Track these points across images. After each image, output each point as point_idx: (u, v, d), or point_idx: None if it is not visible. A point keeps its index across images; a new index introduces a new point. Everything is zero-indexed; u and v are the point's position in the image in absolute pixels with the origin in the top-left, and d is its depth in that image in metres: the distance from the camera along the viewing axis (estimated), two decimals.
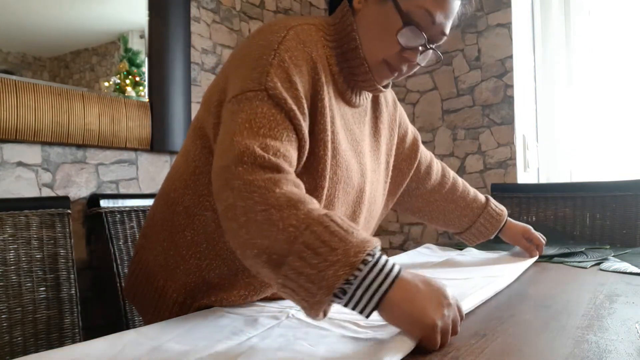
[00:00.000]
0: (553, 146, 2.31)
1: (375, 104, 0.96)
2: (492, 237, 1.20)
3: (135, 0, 1.66)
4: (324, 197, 0.77)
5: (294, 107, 0.69)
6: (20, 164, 1.35)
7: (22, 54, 1.38)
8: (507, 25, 2.13)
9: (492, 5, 2.17)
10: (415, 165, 1.09)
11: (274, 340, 0.60)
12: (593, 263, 1.11)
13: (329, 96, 0.78)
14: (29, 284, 1.18)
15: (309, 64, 0.74)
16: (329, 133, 0.76)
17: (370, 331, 0.62)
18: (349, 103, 0.85)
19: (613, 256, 1.18)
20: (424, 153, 1.15)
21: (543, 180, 2.30)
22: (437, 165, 1.19)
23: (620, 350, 0.54)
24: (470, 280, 0.93)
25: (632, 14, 2.11)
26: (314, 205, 0.60)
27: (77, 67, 1.52)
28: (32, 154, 1.38)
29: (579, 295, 0.83)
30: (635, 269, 1.02)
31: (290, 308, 0.74)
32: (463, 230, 1.20)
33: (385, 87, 0.88)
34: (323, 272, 0.54)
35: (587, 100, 2.23)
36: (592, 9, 2.22)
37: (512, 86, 2.12)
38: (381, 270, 0.56)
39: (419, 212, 1.20)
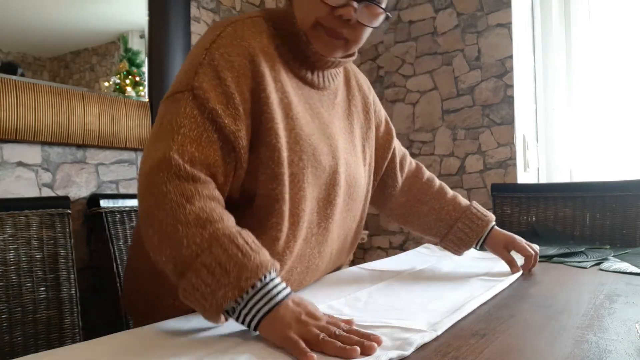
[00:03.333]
0: (553, 146, 2.31)
1: (347, 86, 0.96)
2: (476, 246, 1.06)
3: (135, 0, 1.66)
4: (287, 183, 0.76)
5: (217, 106, 0.70)
6: (20, 164, 1.35)
7: (22, 54, 1.38)
8: (507, 25, 2.13)
9: (492, 5, 2.17)
10: (390, 156, 1.06)
11: None
12: (593, 263, 1.11)
13: (279, 84, 0.77)
14: (29, 284, 1.18)
15: (245, 57, 0.74)
16: (279, 121, 0.76)
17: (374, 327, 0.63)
18: (312, 85, 0.85)
19: (613, 256, 1.18)
20: (399, 148, 1.10)
21: (543, 180, 2.30)
22: (411, 165, 1.12)
23: (620, 350, 0.54)
24: (468, 280, 0.93)
25: (632, 14, 2.11)
26: (224, 223, 0.64)
27: (77, 67, 1.52)
28: (32, 154, 1.38)
29: (579, 295, 0.83)
30: (635, 269, 1.02)
31: None
32: (441, 237, 1.07)
33: (344, 57, 0.85)
34: (215, 292, 0.59)
35: (587, 100, 2.23)
36: (592, 9, 2.23)
37: (512, 86, 2.12)
38: (266, 294, 0.60)
39: (393, 215, 1.12)
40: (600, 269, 1.05)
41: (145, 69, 1.67)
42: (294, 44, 0.81)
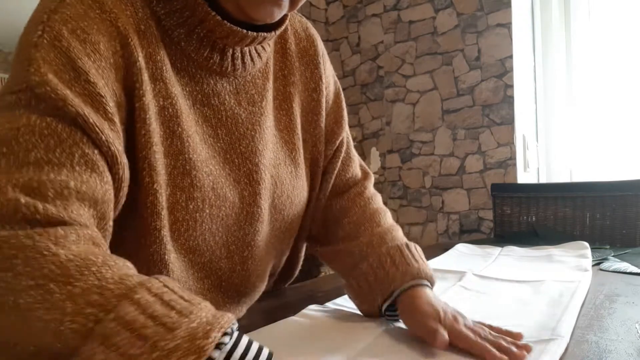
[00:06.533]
0: (553, 146, 2.31)
1: (283, 57, 0.68)
2: (380, 306, 0.62)
3: None
4: (168, 236, 0.54)
5: (85, 110, 0.44)
6: None
7: None
8: (507, 25, 2.13)
9: (492, 5, 2.17)
10: (332, 153, 0.76)
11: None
12: (593, 263, 1.11)
13: (160, 85, 0.52)
14: None
15: (113, 37, 0.48)
16: (158, 144, 0.52)
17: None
18: (220, 72, 0.58)
19: (613, 256, 1.18)
20: (348, 144, 0.79)
21: (543, 180, 2.31)
22: (355, 173, 0.80)
23: (620, 350, 0.54)
24: (542, 283, 0.86)
25: (632, 14, 2.11)
26: (130, 270, 0.40)
27: None
28: None
29: None
30: (635, 269, 1.02)
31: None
32: (344, 276, 0.70)
33: (274, 27, 0.59)
34: None
35: (587, 100, 2.24)
36: (592, 9, 2.23)
37: (512, 86, 2.12)
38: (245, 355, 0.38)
39: (308, 238, 0.81)
40: (600, 269, 1.05)
41: None
42: (187, 12, 0.53)
